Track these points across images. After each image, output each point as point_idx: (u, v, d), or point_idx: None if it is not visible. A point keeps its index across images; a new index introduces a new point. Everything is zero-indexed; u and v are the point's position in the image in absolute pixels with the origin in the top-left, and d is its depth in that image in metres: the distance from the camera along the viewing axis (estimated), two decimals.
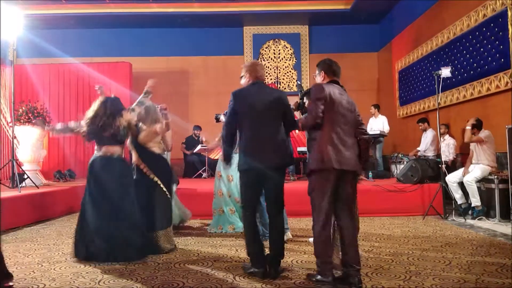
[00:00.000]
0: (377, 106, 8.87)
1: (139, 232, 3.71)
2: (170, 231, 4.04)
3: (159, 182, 3.98)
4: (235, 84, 11.95)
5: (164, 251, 3.87)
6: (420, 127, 7.55)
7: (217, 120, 4.91)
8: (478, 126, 5.74)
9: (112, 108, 3.83)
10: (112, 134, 3.76)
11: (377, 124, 8.56)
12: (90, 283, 3.06)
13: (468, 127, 5.68)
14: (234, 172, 5.00)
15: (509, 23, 5.63)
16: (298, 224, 5.33)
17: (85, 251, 3.62)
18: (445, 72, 5.88)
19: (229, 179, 4.98)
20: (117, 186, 3.72)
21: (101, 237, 3.58)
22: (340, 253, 2.95)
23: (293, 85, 11.18)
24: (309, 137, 3.07)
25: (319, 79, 3.21)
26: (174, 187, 4.72)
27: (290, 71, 11.20)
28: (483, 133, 5.66)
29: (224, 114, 4.59)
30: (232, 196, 4.97)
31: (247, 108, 3.18)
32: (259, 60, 11.15)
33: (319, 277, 2.89)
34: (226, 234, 4.81)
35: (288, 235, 4.34)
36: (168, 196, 4.05)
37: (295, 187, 6.47)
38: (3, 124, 8.31)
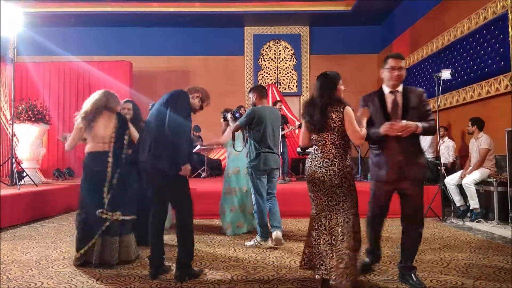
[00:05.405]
0: None
1: None
2: None
3: None
4: (236, 84, 12.02)
5: None
6: None
7: (225, 118, 4.78)
8: (478, 125, 5.76)
9: None
10: None
11: None
12: (88, 282, 3.05)
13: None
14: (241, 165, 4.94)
15: (509, 26, 5.64)
16: (297, 225, 5.33)
17: None
18: (445, 74, 5.88)
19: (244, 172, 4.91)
20: None
21: None
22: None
23: (293, 85, 11.19)
24: (418, 147, 3.05)
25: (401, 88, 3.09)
26: None
27: (290, 72, 11.21)
28: (485, 143, 5.63)
29: (231, 112, 4.55)
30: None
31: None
32: (259, 60, 11.16)
33: None
34: (225, 233, 4.82)
35: (278, 234, 4.14)
36: None
37: (294, 188, 6.49)
38: (3, 122, 8.31)
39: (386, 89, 3.03)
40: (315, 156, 2.87)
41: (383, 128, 2.85)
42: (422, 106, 2.98)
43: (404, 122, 2.84)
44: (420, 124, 2.86)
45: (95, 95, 3.69)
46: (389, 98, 3.01)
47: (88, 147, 3.60)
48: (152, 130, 3.13)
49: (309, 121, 2.90)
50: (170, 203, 3.18)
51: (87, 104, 3.62)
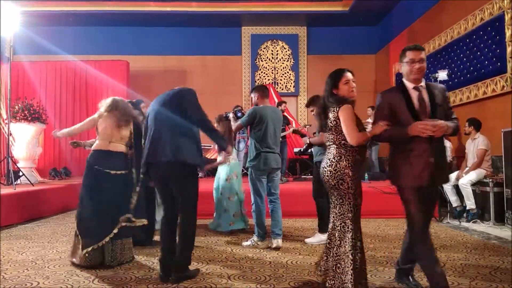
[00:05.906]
0: (374, 108, 8.88)
1: None
2: None
3: None
4: (233, 84, 11.95)
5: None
6: None
7: (226, 118, 4.72)
8: (476, 126, 5.78)
9: None
10: None
11: None
12: (84, 282, 3.04)
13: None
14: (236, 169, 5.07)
15: (506, 27, 5.66)
16: (294, 225, 5.34)
17: None
18: (442, 75, 5.89)
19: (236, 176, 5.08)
20: None
21: None
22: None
23: (290, 86, 11.20)
24: (444, 148, 2.85)
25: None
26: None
27: (287, 72, 11.22)
28: (482, 144, 5.64)
29: (233, 112, 4.54)
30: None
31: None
32: (257, 60, 11.16)
33: None
34: (222, 233, 4.83)
35: (278, 242, 4.10)
36: None
37: (291, 188, 6.50)
38: None
39: (409, 85, 2.71)
40: (324, 157, 2.82)
41: (415, 129, 2.54)
42: (446, 104, 2.75)
43: (437, 121, 2.56)
44: (450, 124, 2.62)
45: (127, 104, 3.77)
46: (414, 95, 2.68)
47: (97, 145, 3.60)
48: (166, 129, 3.11)
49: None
50: (178, 203, 3.17)
51: (120, 110, 3.63)
